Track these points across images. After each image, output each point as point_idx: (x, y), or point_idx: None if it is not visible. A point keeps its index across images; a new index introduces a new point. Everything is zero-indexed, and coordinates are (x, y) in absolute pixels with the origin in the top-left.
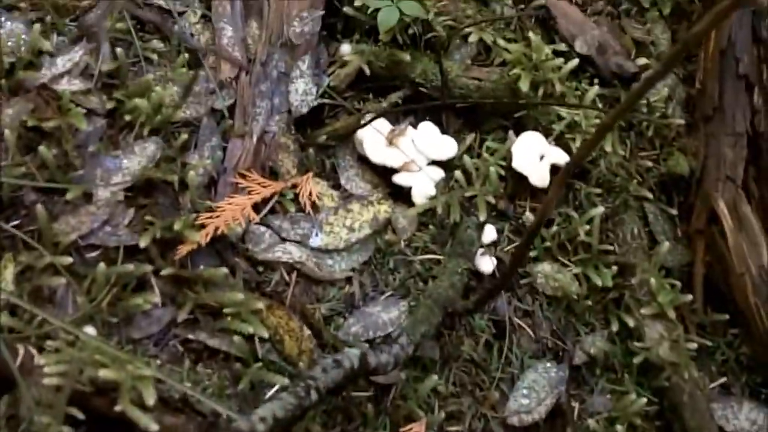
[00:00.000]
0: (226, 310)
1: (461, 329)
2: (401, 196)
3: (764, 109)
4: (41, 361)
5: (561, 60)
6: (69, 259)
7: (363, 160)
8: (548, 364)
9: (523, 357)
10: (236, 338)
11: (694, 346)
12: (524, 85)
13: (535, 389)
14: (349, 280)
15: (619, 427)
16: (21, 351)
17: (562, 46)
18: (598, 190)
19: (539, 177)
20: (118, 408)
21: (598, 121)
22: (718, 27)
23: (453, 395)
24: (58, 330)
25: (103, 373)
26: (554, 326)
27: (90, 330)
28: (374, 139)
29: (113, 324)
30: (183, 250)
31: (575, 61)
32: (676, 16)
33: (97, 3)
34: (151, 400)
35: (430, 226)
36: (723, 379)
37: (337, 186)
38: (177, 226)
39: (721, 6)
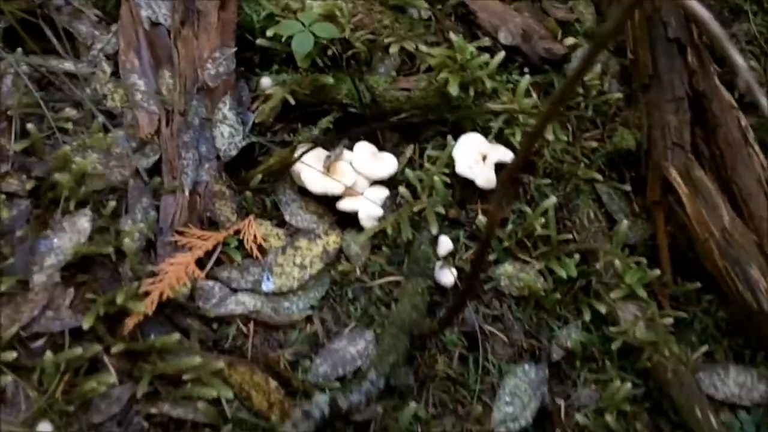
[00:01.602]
0: (185, 377)
1: (433, 347)
2: (350, 221)
3: (700, 68)
4: None
5: (487, 56)
6: (13, 354)
7: (304, 192)
8: (526, 366)
9: (499, 364)
10: (200, 404)
11: (671, 321)
12: (453, 89)
13: (518, 395)
14: (309, 319)
15: (608, 416)
16: None
17: (486, 41)
18: (547, 181)
19: (485, 179)
20: None
21: (535, 111)
22: None
23: (435, 417)
24: None
25: None
26: (526, 326)
27: (46, 426)
28: (311, 169)
29: (71, 413)
30: (130, 323)
31: (501, 54)
32: None
33: None
34: None
35: (384, 248)
36: (705, 348)
37: (282, 223)
38: (120, 299)
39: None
